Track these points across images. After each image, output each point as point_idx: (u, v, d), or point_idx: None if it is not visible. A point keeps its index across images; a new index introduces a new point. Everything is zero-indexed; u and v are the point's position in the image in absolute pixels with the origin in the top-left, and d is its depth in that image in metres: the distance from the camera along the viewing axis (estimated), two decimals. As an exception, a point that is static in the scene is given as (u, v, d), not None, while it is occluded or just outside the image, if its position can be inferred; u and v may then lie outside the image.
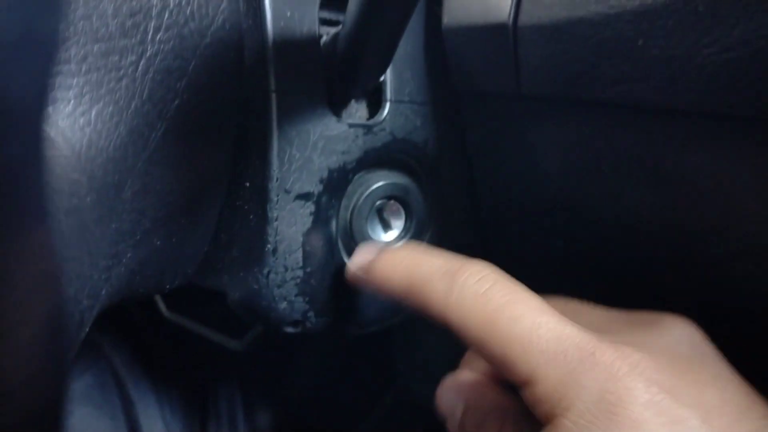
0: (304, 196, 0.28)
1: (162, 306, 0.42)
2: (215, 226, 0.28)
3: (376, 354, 0.53)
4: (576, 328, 0.21)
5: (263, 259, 0.27)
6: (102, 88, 0.20)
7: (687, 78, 0.22)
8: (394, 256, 0.26)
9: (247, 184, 0.27)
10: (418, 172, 0.33)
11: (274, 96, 0.26)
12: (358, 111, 0.30)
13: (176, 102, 0.22)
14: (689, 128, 0.24)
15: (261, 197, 0.27)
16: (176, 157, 0.23)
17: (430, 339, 0.49)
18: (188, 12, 0.22)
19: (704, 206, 0.25)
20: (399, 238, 0.32)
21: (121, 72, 0.20)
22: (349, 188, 0.30)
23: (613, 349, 0.20)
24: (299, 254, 0.28)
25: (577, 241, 0.32)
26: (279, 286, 0.28)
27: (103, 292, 0.20)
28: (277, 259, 0.28)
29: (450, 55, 0.31)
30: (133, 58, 0.21)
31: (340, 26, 0.27)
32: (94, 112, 0.20)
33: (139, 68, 0.21)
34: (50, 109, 0.19)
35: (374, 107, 0.31)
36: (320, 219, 0.29)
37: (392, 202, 0.32)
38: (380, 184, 0.30)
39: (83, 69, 0.20)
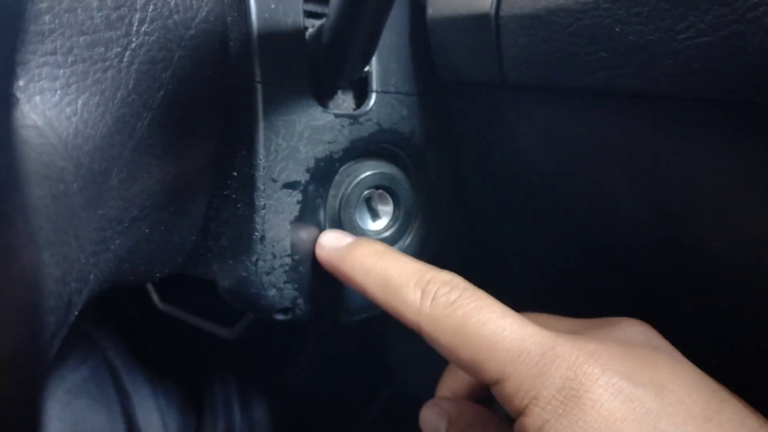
0: (291, 185, 0.28)
1: (155, 298, 0.42)
2: (204, 215, 0.28)
3: (372, 347, 0.53)
4: (537, 328, 0.23)
5: (251, 246, 0.28)
6: (88, 79, 0.20)
7: (663, 63, 0.23)
8: (368, 257, 0.27)
9: (235, 174, 0.28)
10: (406, 162, 0.33)
11: (259, 87, 0.26)
12: (344, 102, 0.31)
13: (161, 92, 0.23)
14: (665, 113, 0.24)
15: (248, 186, 0.27)
16: (162, 147, 0.23)
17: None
18: (172, 4, 0.22)
19: (680, 189, 0.25)
20: (387, 227, 0.33)
21: (107, 63, 0.21)
22: (337, 178, 0.31)
23: (571, 342, 0.22)
24: (287, 242, 0.29)
25: (561, 226, 0.32)
26: (268, 274, 0.28)
27: (92, 276, 0.20)
28: (265, 246, 0.28)
29: (434, 46, 0.31)
30: (119, 49, 0.21)
31: (325, 18, 0.28)
32: (80, 102, 0.20)
33: (124, 59, 0.21)
34: (37, 98, 0.19)
35: (361, 98, 0.31)
36: (308, 208, 0.29)
37: (380, 191, 0.32)
38: (368, 173, 0.31)
39: (69, 60, 0.20)
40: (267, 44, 0.26)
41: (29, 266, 0.12)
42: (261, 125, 0.27)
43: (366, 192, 0.31)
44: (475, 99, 0.32)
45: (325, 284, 0.31)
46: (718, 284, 0.27)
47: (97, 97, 0.20)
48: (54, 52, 0.20)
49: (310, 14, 0.29)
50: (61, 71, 0.20)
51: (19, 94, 0.19)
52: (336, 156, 0.30)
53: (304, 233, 0.29)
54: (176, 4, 0.23)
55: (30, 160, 0.18)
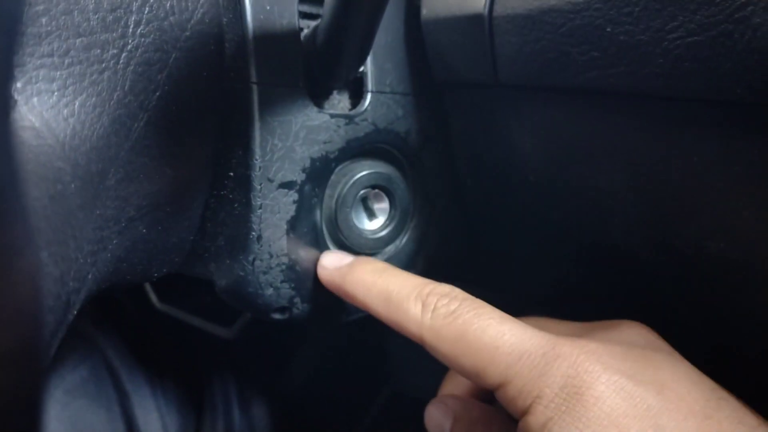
0: (287, 185, 0.28)
1: (153, 297, 0.42)
2: (201, 215, 0.29)
3: (372, 347, 0.54)
4: (536, 331, 0.23)
5: (248, 246, 0.28)
6: (85, 81, 0.21)
7: (654, 63, 0.23)
8: (369, 274, 0.28)
9: (231, 174, 0.28)
10: (402, 162, 0.33)
11: (255, 88, 0.26)
12: (340, 102, 0.31)
13: (157, 93, 0.23)
14: (657, 113, 0.25)
15: (245, 186, 0.27)
16: (158, 147, 0.24)
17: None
18: (168, 6, 0.23)
19: (672, 188, 0.26)
20: (384, 226, 0.33)
21: (103, 65, 0.21)
22: (333, 177, 0.31)
23: (571, 342, 0.23)
24: (284, 241, 0.29)
25: (556, 225, 0.32)
26: (264, 273, 0.29)
27: (90, 276, 0.21)
28: (261, 246, 0.28)
29: (429, 46, 0.32)
30: (115, 51, 0.21)
31: (320, 19, 0.28)
32: (77, 104, 0.20)
33: (121, 61, 0.21)
34: (35, 100, 0.19)
35: (356, 98, 0.31)
36: (304, 207, 0.29)
37: (376, 191, 0.32)
38: (364, 173, 0.31)
39: (66, 62, 0.20)
40: (262, 45, 0.27)
41: (28, 266, 0.13)
42: (257, 126, 0.27)
43: (362, 191, 0.31)
44: (469, 99, 0.32)
45: (322, 284, 0.31)
46: (712, 284, 0.27)
47: (93, 99, 0.21)
48: (51, 54, 0.20)
49: (305, 15, 0.29)
50: (58, 73, 0.20)
51: (17, 96, 0.19)
52: (332, 156, 0.30)
53: (301, 233, 0.30)
54: (172, 6, 0.23)
55: (28, 161, 0.18)
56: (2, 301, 0.12)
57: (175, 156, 0.25)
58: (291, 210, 0.29)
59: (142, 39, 0.22)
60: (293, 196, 0.29)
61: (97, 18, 0.21)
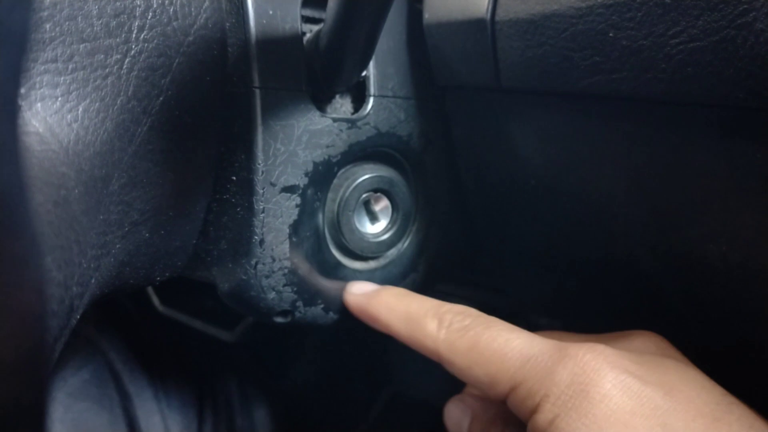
0: (290, 189, 0.29)
1: (156, 301, 0.43)
2: (204, 219, 0.29)
3: (372, 348, 0.54)
4: (544, 338, 0.24)
5: (251, 250, 0.28)
6: (88, 86, 0.21)
7: (656, 68, 0.23)
8: (392, 297, 0.30)
9: (234, 178, 0.28)
10: (404, 165, 0.33)
11: (257, 92, 0.26)
12: (342, 106, 0.31)
13: (161, 98, 0.23)
14: (660, 117, 0.25)
15: (247, 190, 0.28)
16: (162, 152, 0.24)
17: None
18: (171, 11, 0.23)
19: (675, 192, 0.26)
20: (386, 230, 0.33)
21: (107, 70, 0.21)
22: (336, 181, 0.31)
23: (579, 345, 0.23)
24: (286, 245, 0.29)
25: (558, 228, 0.32)
26: (267, 277, 0.29)
27: (93, 280, 0.21)
28: (264, 250, 0.28)
29: (431, 50, 0.32)
30: (118, 56, 0.21)
31: (323, 23, 0.28)
32: (81, 109, 0.20)
33: (124, 66, 0.21)
34: (39, 105, 0.19)
35: (359, 102, 0.31)
36: (306, 211, 0.29)
37: (378, 194, 0.32)
38: (366, 177, 0.31)
39: (70, 68, 0.20)
40: (265, 50, 0.27)
41: (32, 271, 0.13)
42: (260, 130, 0.27)
43: (364, 195, 0.31)
44: (471, 103, 0.32)
45: (324, 287, 0.31)
46: (714, 287, 0.27)
47: (97, 104, 0.21)
48: (55, 60, 0.20)
49: (307, 19, 0.29)
50: (62, 78, 0.20)
51: (21, 102, 0.19)
52: (334, 160, 0.30)
53: (303, 237, 0.30)
54: (175, 12, 0.23)
55: (32, 166, 0.18)
56: (8, 309, 0.12)
57: (178, 160, 0.25)
58: (293, 214, 0.29)
59: (146, 44, 0.22)
60: (296, 200, 0.29)
61: (101, 23, 0.21)
